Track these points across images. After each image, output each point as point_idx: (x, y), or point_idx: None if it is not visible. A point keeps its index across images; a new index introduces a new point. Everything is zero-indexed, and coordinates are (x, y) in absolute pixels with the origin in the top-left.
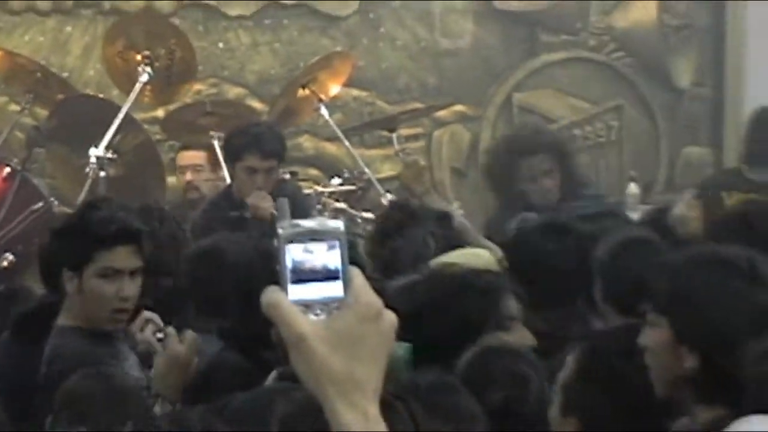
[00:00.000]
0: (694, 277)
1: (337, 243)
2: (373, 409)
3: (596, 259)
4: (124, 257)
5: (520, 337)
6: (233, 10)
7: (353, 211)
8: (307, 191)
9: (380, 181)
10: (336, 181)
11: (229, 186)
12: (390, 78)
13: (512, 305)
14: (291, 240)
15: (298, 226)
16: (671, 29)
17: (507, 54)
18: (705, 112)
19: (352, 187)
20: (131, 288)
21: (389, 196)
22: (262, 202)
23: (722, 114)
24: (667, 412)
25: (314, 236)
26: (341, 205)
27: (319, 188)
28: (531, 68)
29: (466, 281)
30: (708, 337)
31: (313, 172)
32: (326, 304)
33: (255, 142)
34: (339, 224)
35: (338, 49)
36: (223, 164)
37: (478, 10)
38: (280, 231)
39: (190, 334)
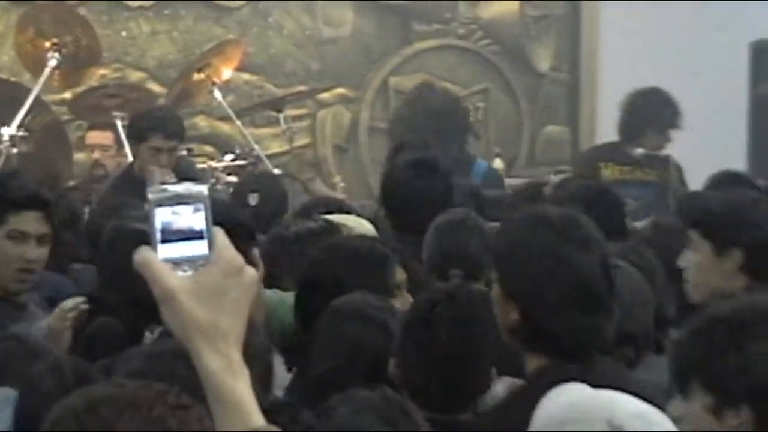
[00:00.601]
0: (514, 235)
1: (201, 206)
2: (236, 355)
3: (425, 239)
4: (32, 222)
5: (404, 302)
6: (135, 2)
7: None
8: (201, 166)
9: (268, 157)
10: (228, 157)
11: (131, 164)
12: (277, 63)
13: (399, 272)
14: (159, 204)
15: (165, 191)
16: (532, 19)
17: (383, 41)
18: (562, 94)
19: (243, 163)
20: (36, 253)
21: (276, 171)
22: (164, 178)
23: (578, 96)
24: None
25: (180, 200)
26: (233, 178)
27: (213, 164)
28: (405, 55)
29: (360, 253)
30: (524, 292)
31: (208, 148)
32: (192, 262)
33: (159, 124)
34: (203, 188)
35: (230, 37)
36: (125, 143)
37: (357, 1)
38: (149, 196)
39: (64, 304)
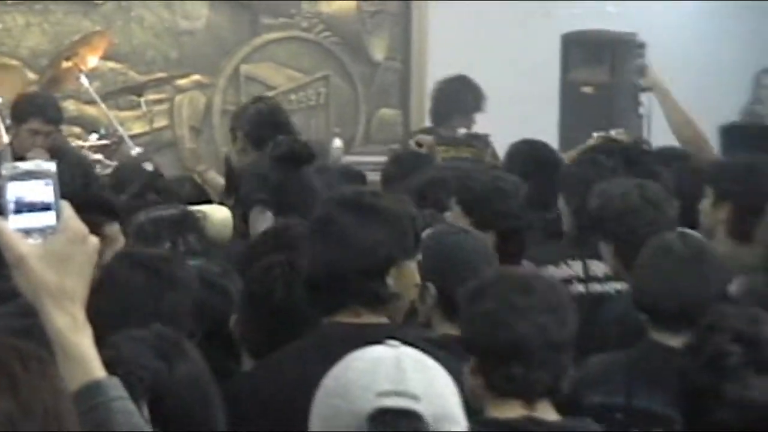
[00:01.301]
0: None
1: (51, 181)
2: (80, 314)
3: None
4: None
5: None
6: None
7: (107, 161)
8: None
9: (131, 137)
10: (94, 136)
11: (10, 143)
12: (139, 53)
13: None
14: (12, 178)
15: (17, 167)
16: (368, 14)
17: (235, 33)
18: (395, 81)
19: (108, 142)
20: None
21: (137, 149)
22: (41, 157)
23: (409, 83)
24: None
25: (31, 176)
26: (98, 156)
27: (80, 143)
28: (254, 45)
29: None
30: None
31: (76, 129)
32: (42, 231)
33: (40, 109)
34: (52, 165)
35: (97, 29)
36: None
37: None
38: (3, 171)
39: None
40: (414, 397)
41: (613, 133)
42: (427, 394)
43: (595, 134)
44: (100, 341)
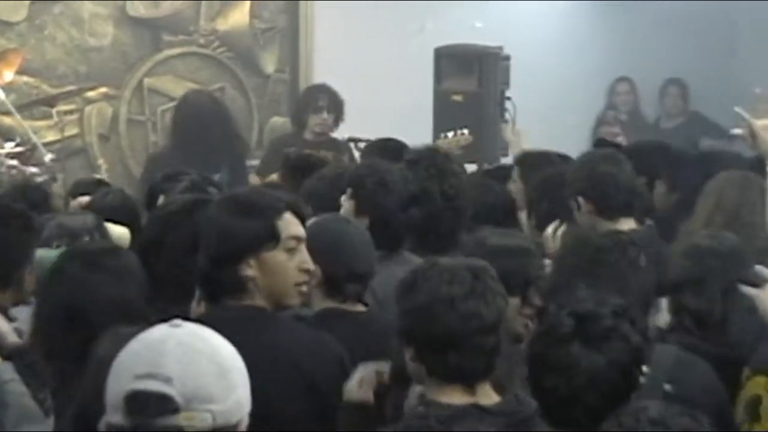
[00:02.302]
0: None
1: None
2: None
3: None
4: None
5: None
6: None
7: (22, 167)
8: None
9: (44, 144)
10: (10, 144)
11: None
12: (52, 67)
13: None
14: None
15: None
16: (259, 30)
17: (138, 49)
18: (285, 91)
19: (23, 149)
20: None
21: (50, 155)
22: None
23: (297, 93)
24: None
25: None
26: (14, 162)
27: None
28: (157, 60)
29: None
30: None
31: None
32: None
33: None
34: None
35: (12, 46)
36: None
37: (116, 16)
38: None
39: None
40: (166, 380)
41: (464, 131)
42: (181, 375)
43: (449, 134)
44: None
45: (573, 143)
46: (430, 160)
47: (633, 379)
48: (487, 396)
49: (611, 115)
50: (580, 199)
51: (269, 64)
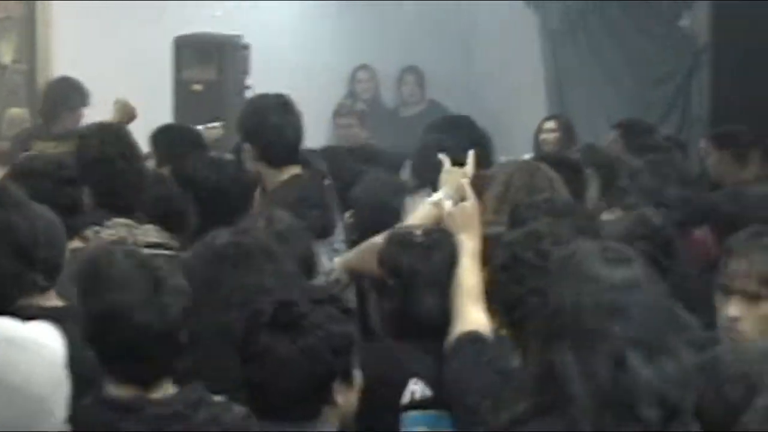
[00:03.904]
0: None
1: None
2: None
3: None
4: None
5: None
6: None
7: None
8: None
9: None
10: None
11: None
12: None
13: None
14: None
15: None
16: None
17: None
18: (22, 82)
19: None
20: None
21: None
22: None
23: (35, 83)
24: None
25: None
26: None
27: None
28: None
29: None
30: None
31: None
32: None
33: None
34: None
35: None
36: None
37: None
38: None
39: None
40: None
41: (215, 124)
42: None
43: (200, 127)
44: None
45: (313, 131)
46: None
47: (330, 367)
48: (164, 390)
49: (346, 106)
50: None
51: (6, 54)
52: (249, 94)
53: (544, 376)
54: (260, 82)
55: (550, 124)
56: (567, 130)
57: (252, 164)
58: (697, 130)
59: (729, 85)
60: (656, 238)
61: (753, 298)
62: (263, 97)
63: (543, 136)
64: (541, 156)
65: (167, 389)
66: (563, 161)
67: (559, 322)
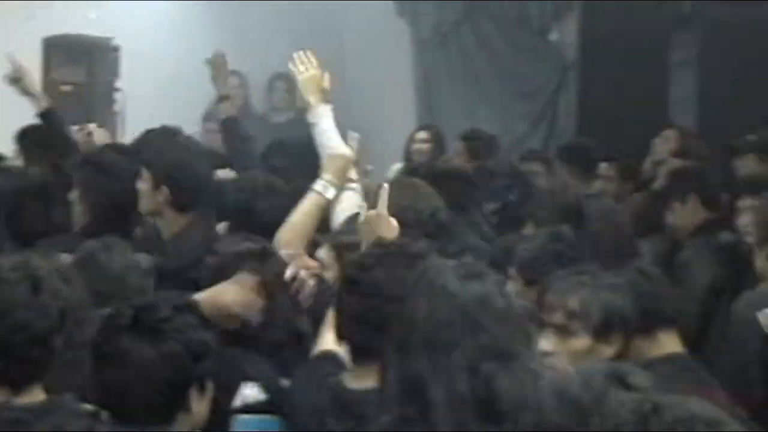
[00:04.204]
0: None
1: None
2: None
3: None
4: None
5: None
6: None
7: None
8: None
9: None
10: None
11: None
12: None
13: None
14: None
15: None
16: None
17: None
18: None
19: None
20: None
21: None
22: None
23: None
24: None
25: None
26: None
27: None
28: None
29: None
30: None
31: None
32: None
33: None
34: None
35: None
36: None
37: None
38: None
39: None
40: None
41: (90, 127)
42: None
43: (74, 128)
44: None
45: None
46: None
47: (189, 373)
48: (33, 397)
49: (212, 110)
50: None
51: None
52: (118, 96)
53: (407, 387)
54: (131, 85)
55: (423, 135)
56: (438, 141)
57: (156, 204)
58: (564, 142)
59: (595, 99)
60: None
61: (563, 331)
62: (186, 144)
63: (415, 146)
64: (429, 167)
65: (38, 395)
66: (451, 173)
67: (418, 335)
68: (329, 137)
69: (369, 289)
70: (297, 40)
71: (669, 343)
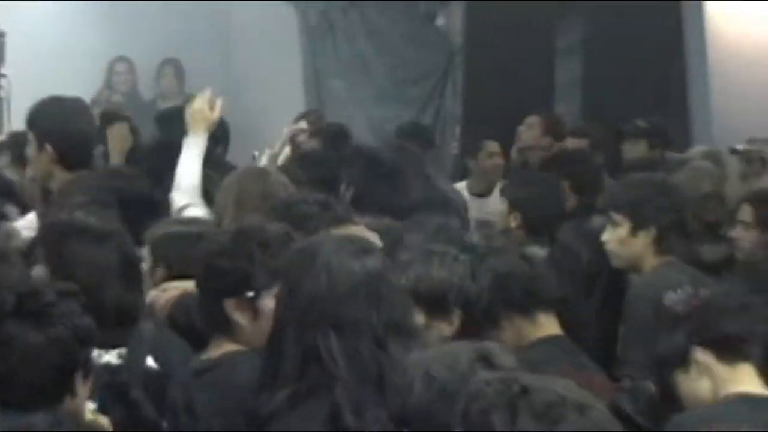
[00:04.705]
0: None
1: None
2: None
3: None
4: None
5: None
6: None
7: None
8: None
9: None
10: None
11: None
12: None
13: None
14: None
15: None
16: None
17: None
18: None
19: None
20: None
21: None
22: None
23: None
24: None
25: None
26: None
27: None
28: None
29: None
30: None
31: None
32: None
33: None
34: None
35: None
36: None
37: None
38: None
39: None
40: None
41: None
42: None
43: None
44: None
45: None
46: None
47: (76, 357)
48: None
49: (104, 96)
50: None
51: None
52: (3, 82)
53: (306, 362)
54: (18, 71)
55: (303, 123)
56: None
57: (43, 164)
58: (450, 127)
59: (482, 83)
60: None
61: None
62: (64, 101)
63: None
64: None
65: None
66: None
67: (318, 310)
68: (183, 166)
69: None
70: (185, 26)
71: (548, 326)
